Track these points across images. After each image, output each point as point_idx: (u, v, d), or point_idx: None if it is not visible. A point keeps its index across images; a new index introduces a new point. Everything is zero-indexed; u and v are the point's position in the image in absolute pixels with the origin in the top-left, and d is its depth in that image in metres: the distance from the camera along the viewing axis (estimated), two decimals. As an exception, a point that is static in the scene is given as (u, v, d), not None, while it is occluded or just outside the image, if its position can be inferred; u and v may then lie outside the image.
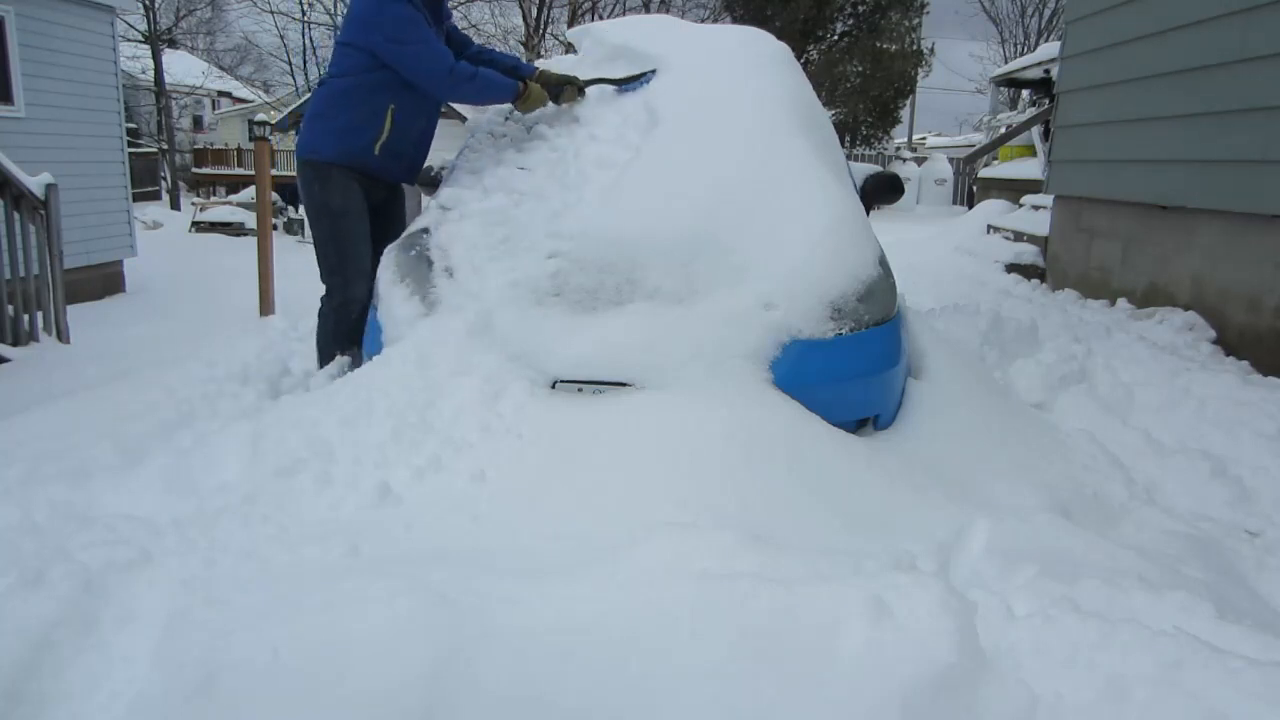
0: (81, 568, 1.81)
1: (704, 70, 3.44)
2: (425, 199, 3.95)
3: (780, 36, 4.06)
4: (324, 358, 3.42)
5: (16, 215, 5.39)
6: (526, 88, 3.40)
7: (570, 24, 19.02)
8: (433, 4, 3.40)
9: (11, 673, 1.55)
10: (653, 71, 3.50)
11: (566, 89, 3.49)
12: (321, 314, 3.49)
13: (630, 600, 1.60)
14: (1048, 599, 1.76)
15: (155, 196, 19.32)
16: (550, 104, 3.49)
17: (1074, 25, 6.31)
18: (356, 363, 3.37)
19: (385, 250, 3.26)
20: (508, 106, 3.65)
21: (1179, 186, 4.89)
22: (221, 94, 30.20)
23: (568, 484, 2.16)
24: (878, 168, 4.20)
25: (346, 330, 3.41)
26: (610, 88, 3.54)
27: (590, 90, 3.54)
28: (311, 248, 3.62)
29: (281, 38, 22.72)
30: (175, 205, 18.17)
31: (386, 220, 3.66)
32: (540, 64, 3.80)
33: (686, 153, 3.06)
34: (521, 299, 2.73)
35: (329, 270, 3.44)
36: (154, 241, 11.11)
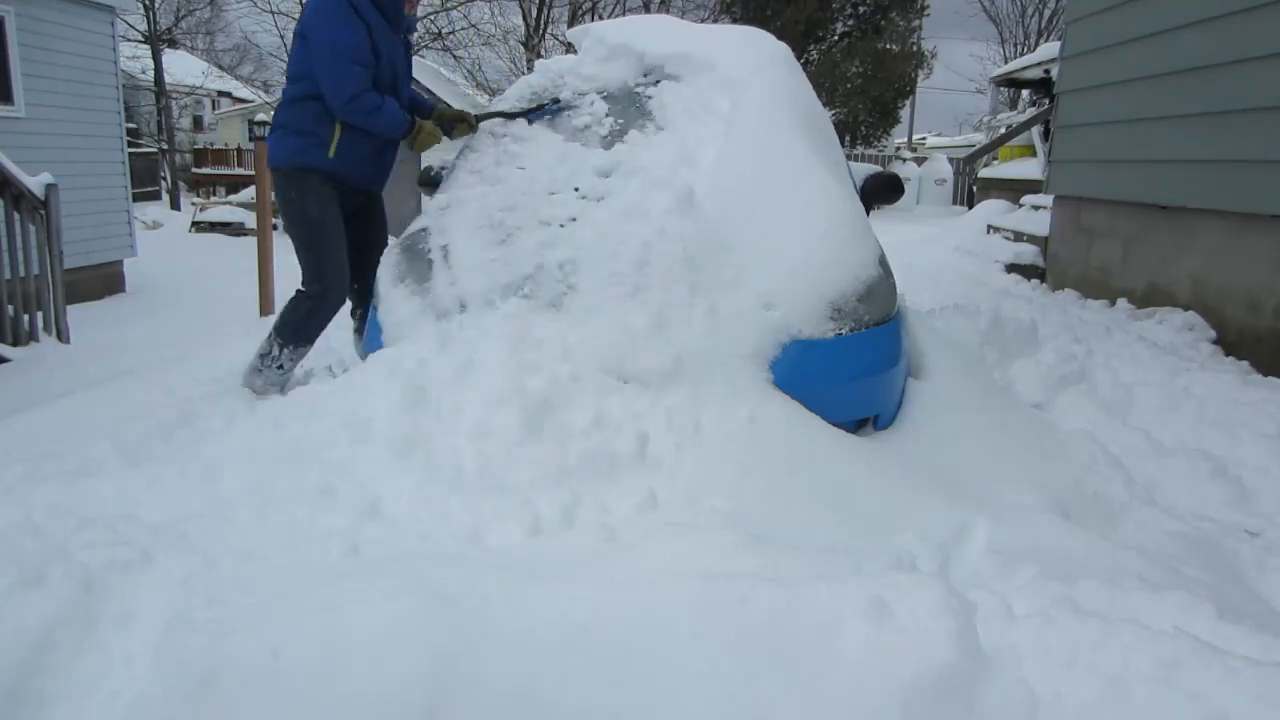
0: (81, 568, 1.81)
1: (703, 70, 3.44)
2: (425, 199, 3.95)
3: (780, 37, 4.06)
4: (279, 343, 3.44)
5: (16, 215, 5.39)
6: (418, 126, 3.42)
7: (570, 24, 19.02)
8: (391, 9, 3.34)
9: (11, 673, 1.55)
10: (555, 102, 3.56)
11: (459, 125, 3.57)
12: (294, 303, 3.50)
13: (630, 600, 1.60)
14: (1048, 599, 1.76)
15: (155, 196, 19.31)
16: (445, 139, 3.59)
17: (1074, 25, 6.31)
18: (299, 359, 3.50)
19: (386, 250, 3.27)
20: (509, 106, 3.66)
21: (1179, 186, 4.89)
22: (221, 94, 30.19)
23: (568, 484, 2.16)
24: (878, 168, 4.20)
25: (313, 328, 3.48)
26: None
27: (590, 88, 3.54)
28: None
29: (281, 38, 22.69)
30: (175, 205, 18.16)
31: (364, 227, 3.66)
32: (503, 100, 3.79)
33: (686, 153, 3.06)
34: (521, 299, 2.73)
35: (311, 276, 3.47)
36: (154, 241, 11.12)
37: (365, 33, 3.22)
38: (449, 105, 3.76)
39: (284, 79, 3.65)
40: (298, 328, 3.46)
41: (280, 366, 3.44)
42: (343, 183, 3.46)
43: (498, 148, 3.50)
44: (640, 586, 1.64)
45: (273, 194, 3.59)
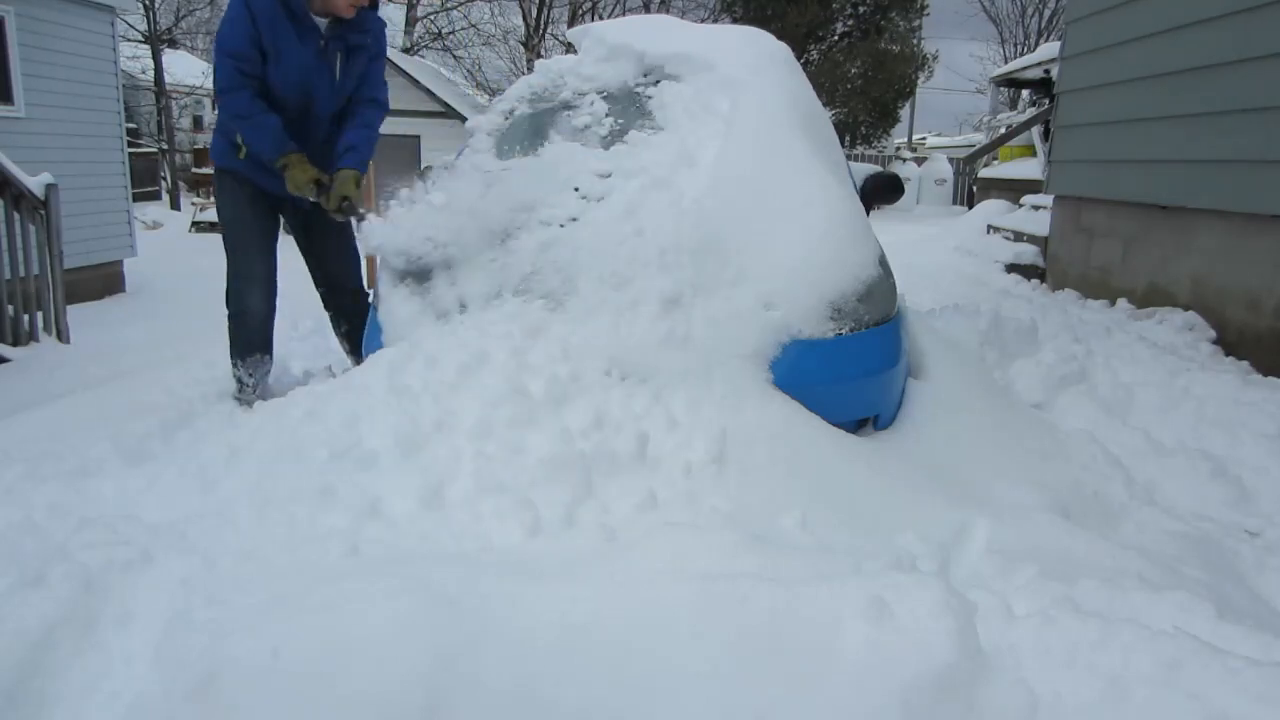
0: (81, 568, 1.81)
1: (703, 70, 3.44)
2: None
3: (781, 37, 4.06)
4: (234, 363, 3.44)
5: (16, 215, 5.39)
6: (288, 159, 3.12)
7: (570, 24, 19.03)
8: (296, 6, 3.10)
9: (11, 673, 1.55)
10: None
11: (326, 195, 3.17)
12: (228, 317, 3.48)
13: (630, 600, 1.60)
14: (1048, 599, 1.76)
15: (155, 196, 19.29)
16: (312, 195, 3.18)
17: (1074, 25, 6.31)
18: (264, 371, 3.43)
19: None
20: (509, 106, 3.65)
21: (1179, 186, 4.89)
22: (221, 94, 30.14)
23: (568, 484, 2.16)
24: (878, 168, 4.20)
25: (246, 338, 3.41)
26: None
27: (590, 88, 3.54)
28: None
29: (281, 38, 22.63)
30: (175, 205, 18.15)
31: (307, 234, 3.58)
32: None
33: (686, 153, 3.06)
34: (522, 300, 2.73)
35: (228, 280, 3.44)
36: (154, 241, 11.11)
37: (248, 26, 3.06)
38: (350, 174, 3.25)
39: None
40: (235, 340, 3.43)
41: (246, 384, 3.40)
42: (260, 188, 3.36)
43: (498, 148, 3.50)
44: (640, 586, 1.64)
45: None
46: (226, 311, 3.44)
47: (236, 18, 3.09)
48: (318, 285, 3.70)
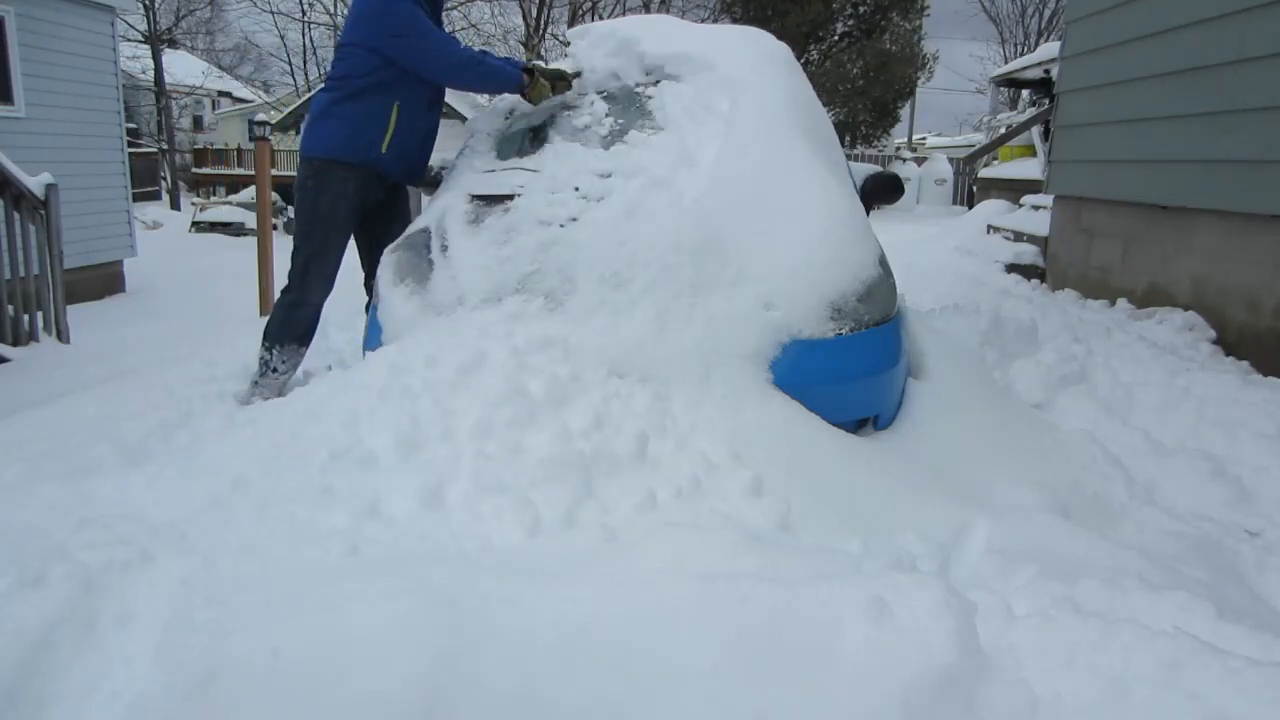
0: (81, 568, 1.81)
1: (703, 70, 3.44)
2: (425, 199, 3.94)
3: (781, 37, 4.06)
4: (266, 346, 3.47)
5: (16, 215, 5.39)
6: (533, 78, 3.45)
7: (570, 24, 19.02)
8: (434, 3, 3.53)
9: (11, 673, 1.55)
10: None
11: (559, 83, 3.58)
12: (276, 305, 3.53)
13: (630, 600, 1.60)
14: (1048, 599, 1.76)
15: (155, 196, 19.31)
16: (569, 82, 3.58)
17: (1074, 25, 6.31)
18: (295, 362, 3.49)
19: (385, 250, 3.26)
20: (508, 105, 3.66)
21: (1179, 186, 4.89)
22: (221, 94, 30.19)
23: (568, 484, 2.16)
24: (878, 168, 4.20)
25: (293, 326, 3.47)
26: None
27: (590, 88, 3.55)
28: None
29: (281, 38, 22.80)
30: (175, 205, 18.17)
31: (387, 220, 3.68)
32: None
33: (686, 153, 3.06)
34: (522, 300, 2.72)
35: (295, 269, 3.46)
36: (154, 241, 11.12)
37: (423, 13, 3.36)
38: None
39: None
40: (280, 326, 3.46)
41: (275, 370, 3.43)
42: (380, 177, 3.48)
43: (498, 148, 3.50)
44: (640, 586, 1.64)
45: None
46: (283, 299, 3.49)
47: (418, 13, 3.30)
48: (371, 275, 3.72)
